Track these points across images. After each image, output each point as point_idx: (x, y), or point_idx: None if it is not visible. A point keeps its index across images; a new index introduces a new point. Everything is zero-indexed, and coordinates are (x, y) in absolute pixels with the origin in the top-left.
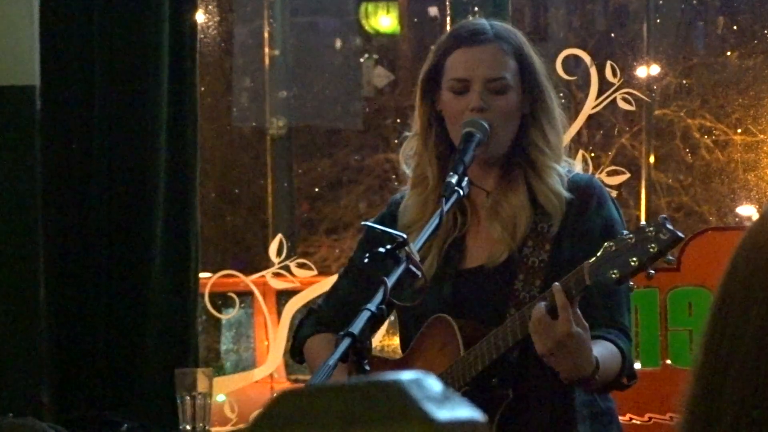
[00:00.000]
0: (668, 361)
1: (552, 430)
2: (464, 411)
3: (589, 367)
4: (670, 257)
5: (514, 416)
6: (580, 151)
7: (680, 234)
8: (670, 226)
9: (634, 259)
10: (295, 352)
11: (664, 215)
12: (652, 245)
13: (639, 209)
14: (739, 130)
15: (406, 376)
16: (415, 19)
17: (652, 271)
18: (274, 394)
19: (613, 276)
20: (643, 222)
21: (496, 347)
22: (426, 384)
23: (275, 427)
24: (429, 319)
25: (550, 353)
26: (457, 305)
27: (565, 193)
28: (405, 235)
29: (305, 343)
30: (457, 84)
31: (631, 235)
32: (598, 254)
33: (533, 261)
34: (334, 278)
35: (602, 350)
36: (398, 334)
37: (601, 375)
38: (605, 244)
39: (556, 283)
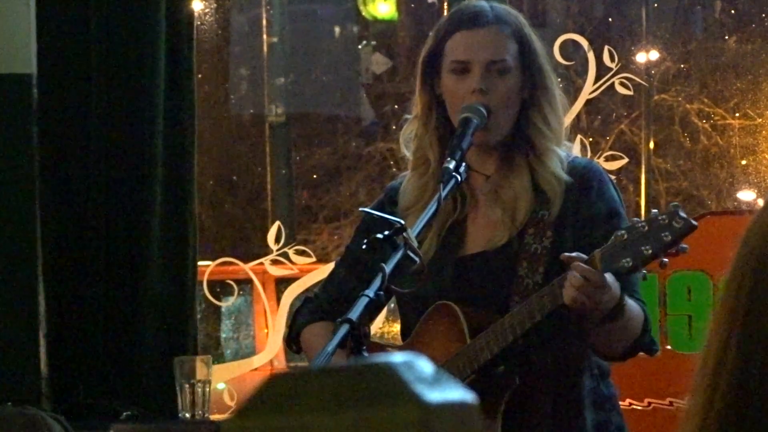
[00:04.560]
0: (668, 347)
1: (558, 417)
2: (455, 393)
3: (615, 297)
4: (684, 246)
5: (519, 403)
6: (578, 136)
7: (694, 222)
8: (683, 215)
9: (648, 247)
10: (292, 341)
11: (676, 203)
12: (666, 234)
13: (639, 195)
14: (737, 115)
15: (397, 358)
16: (413, 5)
17: (666, 260)
18: (264, 377)
19: (626, 264)
20: (654, 210)
21: (504, 336)
22: (417, 366)
23: (265, 409)
24: (432, 305)
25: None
26: (458, 291)
27: (565, 177)
28: (402, 221)
29: (302, 331)
30: (458, 66)
31: (643, 223)
32: (610, 242)
33: (535, 248)
34: (332, 266)
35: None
36: (398, 321)
37: (627, 315)
38: (617, 232)
39: (573, 272)
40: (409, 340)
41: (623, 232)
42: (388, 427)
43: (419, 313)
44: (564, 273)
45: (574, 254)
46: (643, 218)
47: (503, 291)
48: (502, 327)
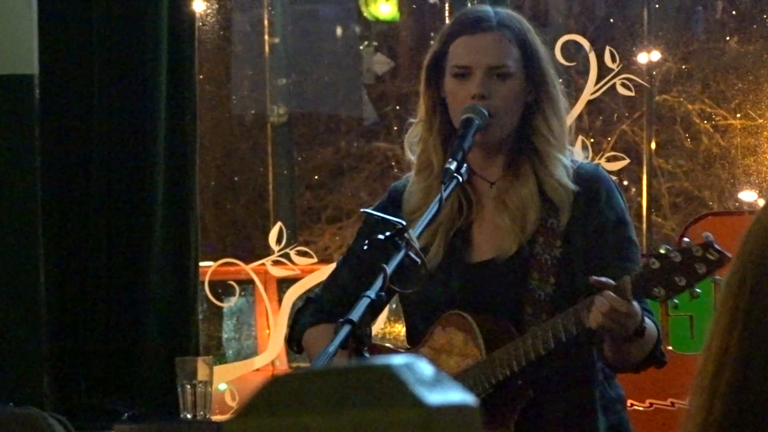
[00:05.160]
0: (669, 347)
1: (572, 423)
2: (456, 395)
3: (638, 320)
4: (718, 277)
5: (533, 412)
6: (580, 137)
7: (729, 254)
8: (717, 247)
9: (681, 278)
10: (293, 342)
11: (707, 233)
12: (700, 266)
13: (640, 195)
14: (738, 115)
15: (397, 359)
16: (414, 6)
17: (698, 290)
18: (265, 378)
19: (658, 294)
20: (686, 239)
21: (526, 354)
22: (417, 368)
23: (266, 410)
24: (441, 312)
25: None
26: (468, 299)
27: (572, 185)
28: (404, 222)
29: (304, 333)
30: (459, 71)
31: (676, 253)
32: (641, 270)
33: (546, 258)
34: (334, 266)
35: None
36: (401, 322)
37: (647, 333)
38: (648, 260)
39: (602, 298)
40: (420, 348)
41: (654, 260)
42: (388, 429)
43: (427, 319)
44: (591, 296)
45: (603, 279)
46: (675, 247)
47: (515, 302)
48: (524, 345)
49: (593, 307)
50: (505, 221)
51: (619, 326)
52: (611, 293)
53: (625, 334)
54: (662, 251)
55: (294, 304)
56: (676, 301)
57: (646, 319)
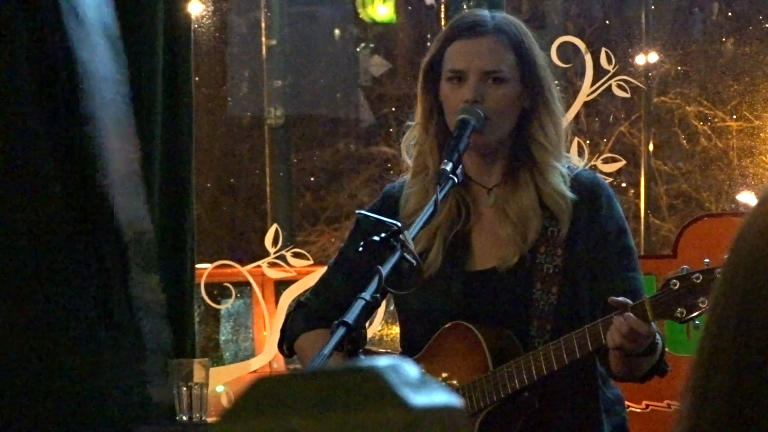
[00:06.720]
0: (666, 349)
1: (578, 430)
2: (441, 396)
3: (651, 336)
4: None
5: (536, 420)
6: (576, 139)
7: None
8: None
9: (703, 299)
10: (285, 347)
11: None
12: None
13: (638, 197)
14: (735, 117)
15: (383, 361)
16: (411, 8)
17: None
18: (251, 380)
19: (679, 315)
20: (707, 260)
21: (538, 369)
22: (402, 370)
23: (251, 413)
24: (442, 321)
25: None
26: (470, 308)
27: (570, 194)
28: (399, 224)
29: (297, 338)
30: (454, 75)
31: (697, 275)
32: (661, 292)
33: (548, 268)
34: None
35: None
36: (397, 324)
37: (657, 348)
38: (669, 280)
39: (620, 318)
40: (422, 357)
41: (675, 281)
42: (373, 431)
43: (427, 327)
44: (609, 315)
45: (621, 299)
46: (697, 269)
47: (521, 313)
48: (536, 360)
49: (612, 326)
50: (506, 230)
51: (636, 345)
52: (631, 314)
53: (639, 351)
54: (683, 273)
55: (290, 306)
56: (697, 322)
57: (657, 335)
